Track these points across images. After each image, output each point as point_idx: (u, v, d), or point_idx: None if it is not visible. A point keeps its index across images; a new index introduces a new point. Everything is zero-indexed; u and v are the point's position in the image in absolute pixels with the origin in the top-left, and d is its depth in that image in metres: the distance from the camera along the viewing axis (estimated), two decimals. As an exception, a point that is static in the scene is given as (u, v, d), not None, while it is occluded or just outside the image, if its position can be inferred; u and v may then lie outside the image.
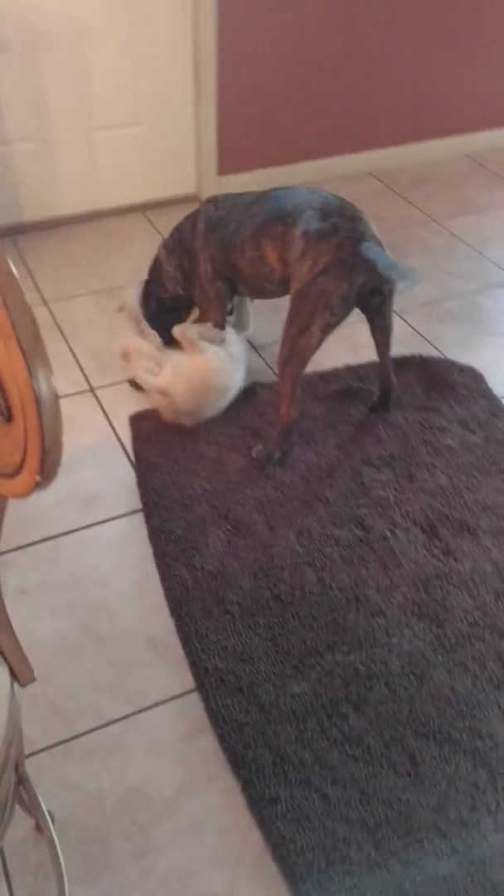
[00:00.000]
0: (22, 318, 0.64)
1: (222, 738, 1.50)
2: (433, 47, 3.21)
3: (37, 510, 1.93)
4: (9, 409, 0.70)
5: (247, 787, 1.44)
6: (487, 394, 2.27)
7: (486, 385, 2.31)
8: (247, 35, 2.88)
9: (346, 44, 3.06)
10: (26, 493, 0.70)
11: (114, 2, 2.66)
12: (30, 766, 1.46)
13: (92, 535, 1.88)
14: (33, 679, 1.02)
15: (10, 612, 1.70)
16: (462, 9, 3.16)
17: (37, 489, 0.68)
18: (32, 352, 0.65)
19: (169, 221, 3.03)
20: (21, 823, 1.38)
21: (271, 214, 1.96)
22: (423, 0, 3.07)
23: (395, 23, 3.08)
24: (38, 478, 0.67)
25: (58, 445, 0.66)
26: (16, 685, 1.04)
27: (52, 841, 1.23)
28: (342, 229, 1.83)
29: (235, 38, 2.87)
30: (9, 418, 0.70)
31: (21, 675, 0.99)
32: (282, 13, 2.89)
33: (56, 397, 0.66)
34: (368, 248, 1.80)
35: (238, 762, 1.47)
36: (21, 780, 1.23)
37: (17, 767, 1.22)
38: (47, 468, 0.66)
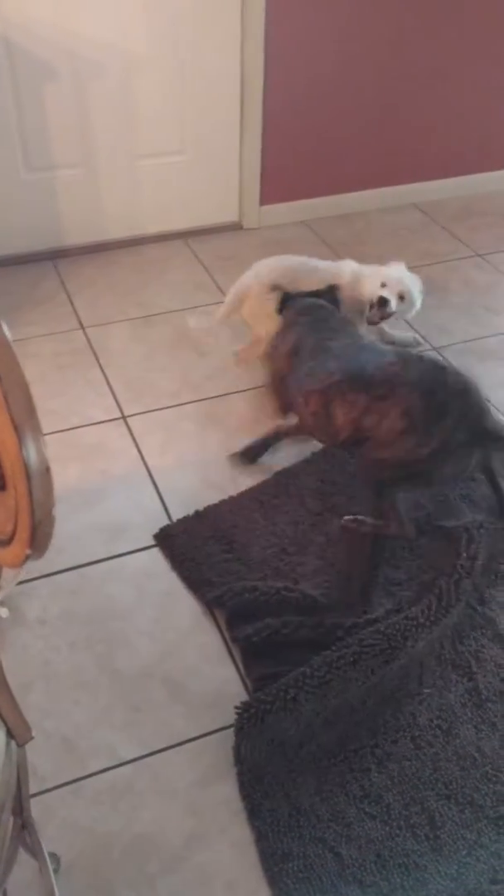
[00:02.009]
0: (14, 390, 0.62)
1: (242, 785, 1.46)
2: (480, 79, 3.18)
3: (61, 539, 1.92)
4: (2, 476, 0.68)
5: (260, 839, 1.39)
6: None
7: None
8: (293, 66, 2.88)
9: (392, 76, 3.04)
10: (17, 565, 0.68)
11: (162, 33, 2.68)
12: (39, 805, 1.44)
13: (115, 567, 1.86)
14: (30, 738, 0.99)
15: (28, 642, 1.70)
16: (514, 43, 3.13)
17: (28, 561, 0.66)
18: (24, 424, 0.63)
19: (210, 249, 3.05)
20: (27, 865, 1.35)
21: (351, 377, 1.80)
22: (470, 36, 3.04)
23: (442, 56, 3.06)
24: (28, 551, 0.65)
25: (48, 519, 0.63)
26: (13, 743, 1.02)
27: (51, 890, 1.19)
28: (454, 410, 1.72)
29: (282, 69, 2.87)
30: (2, 486, 0.68)
31: (18, 735, 0.96)
32: (328, 44, 2.88)
33: (47, 470, 0.64)
34: (488, 429, 1.73)
35: (254, 812, 1.43)
36: (25, 824, 1.20)
37: (22, 811, 1.20)
38: (38, 541, 0.63)
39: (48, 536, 0.63)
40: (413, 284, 2.33)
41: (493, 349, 2.57)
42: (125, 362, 2.49)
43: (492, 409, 1.81)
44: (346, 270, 2.37)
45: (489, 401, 2.23)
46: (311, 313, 2.07)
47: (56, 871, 1.33)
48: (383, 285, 2.29)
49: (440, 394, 1.73)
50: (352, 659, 1.61)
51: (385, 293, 2.27)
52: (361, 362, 1.84)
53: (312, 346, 1.95)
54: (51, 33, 2.57)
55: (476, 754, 1.51)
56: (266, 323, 2.30)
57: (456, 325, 2.67)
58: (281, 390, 2.06)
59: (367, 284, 2.32)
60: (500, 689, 1.61)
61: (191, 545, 1.89)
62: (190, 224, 3.12)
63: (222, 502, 2.01)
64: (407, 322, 2.65)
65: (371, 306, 2.30)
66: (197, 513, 1.97)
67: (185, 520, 1.96)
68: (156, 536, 1.93)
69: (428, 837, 1.39)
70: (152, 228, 3.08)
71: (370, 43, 2.93)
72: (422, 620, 1.67)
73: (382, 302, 2.26)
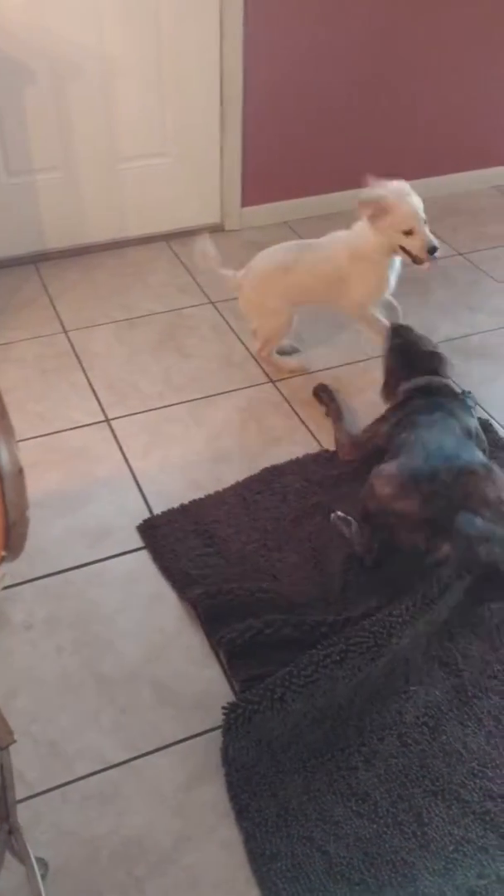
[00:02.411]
0: (-15, 393, 0.61)
1: (230, 786, 1.46)
2: (460, 80, 3.20)
3: (46, 543, 1.91)
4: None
5: (248, 839, 1.39)
6: (500, 443, 2.20)
7: (497, 435, 2.24)
8: (273, 67, 2.89)
9: (372, 76, 3.05)
10: (-9, 567, 0.68)
11: (141, 35, 2.68)
12: (27, 811, 1.43)
13: (100, 571, 1.86)
14: (12, 741, 0.98)
15: (14, 647, 1.70)
16: (491, 42, 3.14)
17: (3, 563, 0.65)
18: (-6, 426, 0.62)
19: (193, 252, 3.04)
20: (15, 870, 1.34)
21: (419, 474, 1.71)
22: (449, 32, 3.06)
23: (422, 55, 3.07)
24: (2, 552, 0.64)
25: (22, 520, 0.63)
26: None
27: (39, 895, 1.19)
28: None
29: (261, 69, 2.87)
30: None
31: (0, 738, 0.96)
32: (308, 45, 2.89)
33: (20, 472, 0.64)
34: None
35: (242, 813, 1.43)
36: (12, 829, 1.20)
37: (9, 817, 1.19)
38: (12, 542, 0.63)
39: (23, 538, 0.63)
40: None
41: (476, 347, 2.59)
42: (108, 365, 2.49)
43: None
44: (345, 238, 2.26)
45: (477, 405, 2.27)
46: (424, 393, 1.98)
47: (44, 876, 1.32)
48: (409, 232, 2.13)
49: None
50: (338, 658, 1.61)
51: (426, 238, 2.12)
52: (434, 458, 1.74)
53: (410, 440, 1.85)
54: (29, 36, 2.56)
55: (462, 750, 1.52)
56: (259, 316, 2.33)
57: (439, 324, 2.68)
58: (363, 448, 2.07)
59: (392, 236, 2.15)
60: (486, 685, 1.62)
61: (172, 537, 1.90)
62: (172, 226, 3.12)
63: (207, 497, 2.02)
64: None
65: (416, 259, 2.16)
66: (182, 506, 1.99)
67: (169, 512, 1.97)
68: (139, 528, 1.94)
69: (415, 834, 1.39)
70: (134, 231, 3.07)
71: (350, 44, 2.94)
72: (406, 617, 1.67)
73: (433, 250, 2.13)
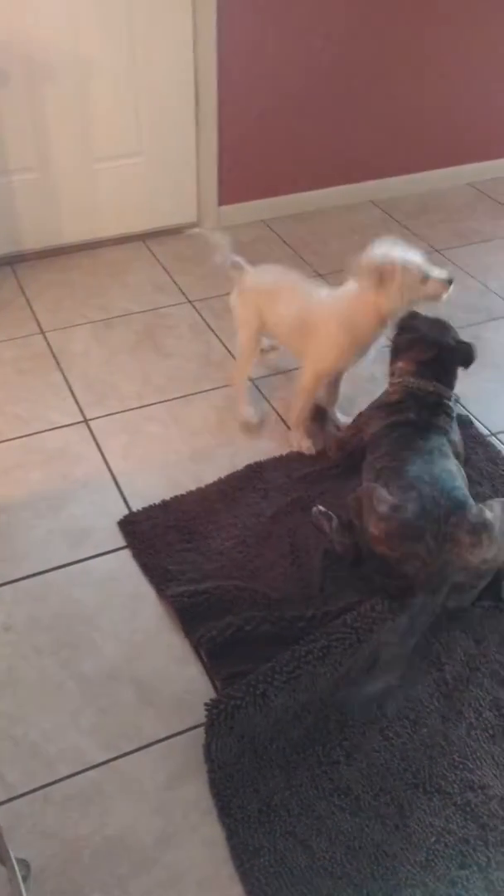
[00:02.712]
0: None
1: (212, 783, 1.46)
2: (436, 77, 3.21)
3: (26, 544, 1.90)
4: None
5: (231, 836, 1.39)
6: (479, 439, 2.22)
7: (476, 430, 2.25)
8: (247, 66, 2.89)
9: (348, 74, 3.06)
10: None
11: (114, 34, 2.67)
12: (8, 813, 1.43)
13: (81, 571, 1.85)
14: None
15: (-10, 652, 1.68)
16: (467, 40, 3.16)
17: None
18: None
19: (170, 251, 3.05)
20: (-3, 873, 1.34)
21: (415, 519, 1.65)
22: (425, 30, 3.07)
23: (397, 52, 3.08)
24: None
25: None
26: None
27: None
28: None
29: (235, 68, 2.87)
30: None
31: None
32: (283, 44, 2.90)
33: None
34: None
35: (224, 809, 1.43)
36: (-8, 832, 1.19)
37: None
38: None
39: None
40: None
41: (453, 343, 2.60)
42: (86, 365, 2.48)
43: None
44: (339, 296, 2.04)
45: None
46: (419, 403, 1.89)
47: (26, 878, 1.32)
48: (425, 279, 1.91)
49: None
50: (320, 654, 1.62)
51: (442, 277, 1.92)
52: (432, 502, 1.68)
53: (392, 452, 1.82)
54: (2, 38, 2.54)
55: (443, 743, 1.52)
56: (241, 329, 2.21)
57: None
58: (340, 447, 2.06)
59: (407, 294, 1.92)
60: (466, 677, 1.63)
61: (152, 533, 1.91)
62: (149, 226, 3.11)
63: (189, 493, 2.03)
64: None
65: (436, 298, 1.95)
66: (163, 502, 1.99)
67: (150, 509, 1.98)
68: (120, 523, 1.95)
69: (397, 826, 1.40)
70: (111, 231, 3.06)
71: (325, 43, 2.95)
72: (388, 614, 1.68)
73: (450, 282, 1.94)
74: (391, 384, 1.97)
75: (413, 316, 2.00)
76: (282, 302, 2.09)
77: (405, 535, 1.64)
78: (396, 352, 2.01)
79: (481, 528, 1.64)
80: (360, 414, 2.04)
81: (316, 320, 2.04)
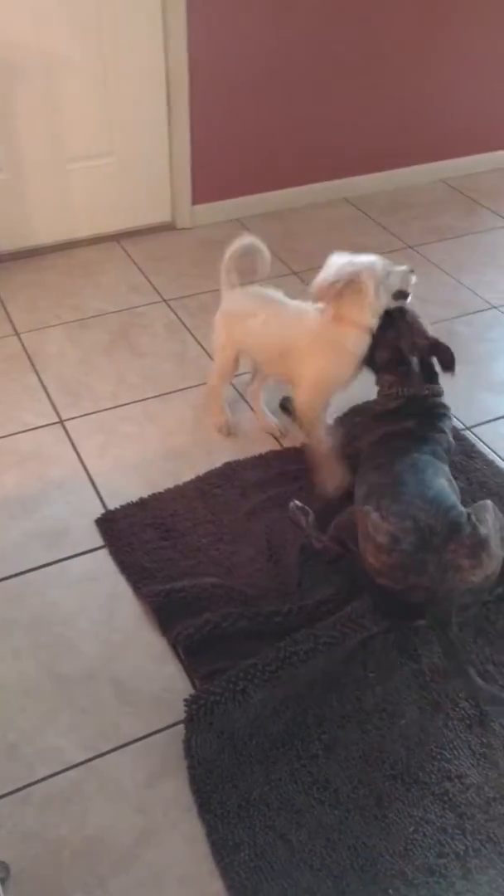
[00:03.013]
0: None
1: (192, 780, 1.46)
2: (408, 75, 3.23)
3: (1, 546, 1.90)
4: None
5: (211, 832, 1.40)
6: (454, 433, 2.21)
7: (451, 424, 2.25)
8: (219, 64, 2.89)
9: (320, 72, 3.08)
10: None
11: (84, 32, 2.67)
12: (-13, 815, 1.42)
13: (58, 572, 1.85)
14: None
15: (-35, 656, 1.68)
16: (436, 38, 3.18)
17: None
18: None
19: (144, 250, 3.05)
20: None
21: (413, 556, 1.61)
22: (397, 28, 3.09)
23: (369, 51, 3.10)
24: None
25: None
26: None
27: (1, 898, 1.18)
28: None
29: (207, 66, 2.88)
30: None
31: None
32: (254, 41, 2.90)
33: None
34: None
35: (204, 805, 1.43)
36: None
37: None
38: None
39: None
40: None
41: (427, 338, 2.61)
42: (61, 366, 2.47)
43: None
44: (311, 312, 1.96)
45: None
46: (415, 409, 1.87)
47: (4, 880, 1.32)
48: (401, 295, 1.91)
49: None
50: (304, 657, 1.62)
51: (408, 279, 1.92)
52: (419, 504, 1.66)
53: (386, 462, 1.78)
54: (-31, 37, 2.54)
55: (420, 734, 1.54)
56: (217, 353, 2.16)
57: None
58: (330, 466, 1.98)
59: (377, 307, 1.88)
60: (443, 668, 1.64)
61: (129, 531, 1.91)
62: (122, 226, 3.11)
63: (167, 491, 2.03)
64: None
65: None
66: (141, 500, 2.00)
67: (127, 506, 1.98)
68: (97, 521, 1.95)
69: (376, 818, 1.41)
70: (84, 231, 3.06)
71: (296, 39, 2.96)
72: (373, 620, 1.69)
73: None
74: (384, 395, 1.91)
75: (387, 325, 1.93)
76: (260, 327, 2.00)
77: (408, 569, 1.61)
78: (379, 363, 1.94)
79: (479, 549, 1.60)
80: (353, 422, 2.02)
81: (299, 346, 1.94)
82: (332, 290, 1.83)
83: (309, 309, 1.97)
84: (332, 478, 1.99)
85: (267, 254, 2.05)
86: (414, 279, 1.95)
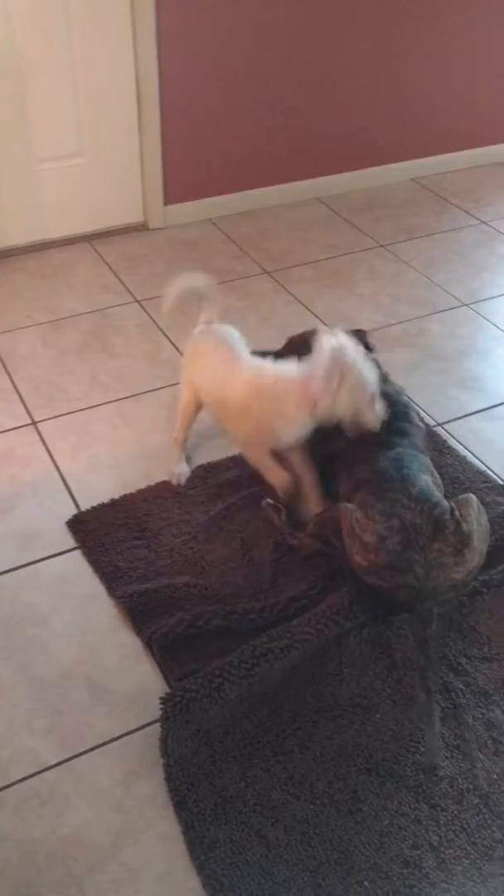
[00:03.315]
0: None
1: (168, 778, 1.46)
2: (377, 75, 3.25)
3: (-26, 549, 1.89)
4: None
5: (187, 830, 1.40)
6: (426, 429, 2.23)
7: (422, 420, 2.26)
8: (189, 64, 2.90)
9: (290, 72, 3.09)
10: None
11: (53, 33, 2.66)
12: (-39, 819, 1.41)
13: (31, 574, 1.84)
14: None
15: None
16: (407, 40, 3.20)
17: None
18: None
19: (116, 251, 3.04)
20: (-49, 880, 1.33)
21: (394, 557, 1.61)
22: (366, 29, 3.11)
23: (339, 51, 3.12)
24: None
25: None
26: None
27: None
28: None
29: (177, 67, 2.88)
30: None
31: None
32: (224, 42, 2.91)
33: None
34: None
35: (180, 803, 1.43)
36: None
37: None
38: None
39: None
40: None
41: (398, 336, 2.64)
42: (33, 368, 2.46)
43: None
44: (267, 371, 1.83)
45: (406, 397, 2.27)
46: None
47: (-20, 882, 1.31)
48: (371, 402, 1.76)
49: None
50: (280, 654, 1.63)
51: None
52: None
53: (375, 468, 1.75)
54: None
55: (395, 728, 1.55)
56: (181, 390, 2.03)
57: (362, 314, 2.73)
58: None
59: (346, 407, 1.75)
60: (413, 660, 1.65)
61: (101, 531, 1.91)
62: (94, 227, 3.10)
63: (139, 492, 2.03)
64: (318, 318, 2.70)
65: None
66: (112, 501, 1.99)
67: (99, 507, 1.98)
68: (68, 523, 1.94)
69: (351, 811, 1.42)
70: (56, 233, 3.04)
71: (266, 39, 2.97)
72: (350, 614, 1.69)
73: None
74: None
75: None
76: (210, 370, 1.91)
77: (395, 568, 1.61)
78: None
79: (462, 546, 1.62)
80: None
81: (237, 397, 1.82)
82: (330, 392, 1.71)
83: (260, 366, 1.85)
84: (277, 480, 1.92)
85: (213, 294, 1.95)
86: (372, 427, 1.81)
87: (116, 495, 2.01)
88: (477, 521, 1.66)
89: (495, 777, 1.47)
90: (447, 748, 1.52)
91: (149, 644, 1.68)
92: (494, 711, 1.58)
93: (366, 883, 1.32)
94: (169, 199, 3.15)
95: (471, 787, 1.46)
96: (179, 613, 1.68)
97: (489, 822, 1.41)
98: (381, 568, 1.63)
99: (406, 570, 1.61)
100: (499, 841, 1.38)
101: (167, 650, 1.66)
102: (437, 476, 1.81)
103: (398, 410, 1.88)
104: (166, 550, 1.86)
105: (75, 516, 1.95)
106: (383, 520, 1.62)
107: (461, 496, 1.70)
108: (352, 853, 1.36)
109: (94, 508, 1.97)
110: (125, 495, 2.00)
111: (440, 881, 1.33)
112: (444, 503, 1.67)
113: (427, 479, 1.73)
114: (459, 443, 2.22)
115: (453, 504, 1.67)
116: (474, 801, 1.44)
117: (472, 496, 1.70)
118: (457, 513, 1.65)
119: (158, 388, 2.39)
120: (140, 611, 1.72)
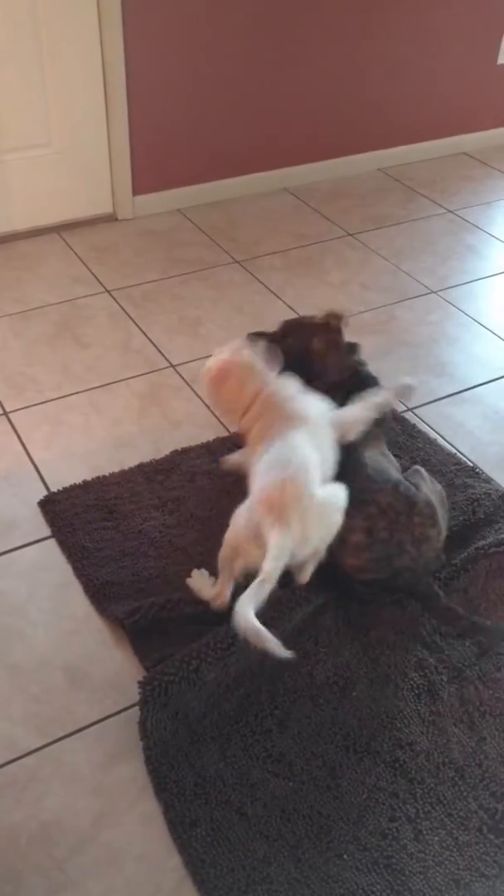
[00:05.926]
0: None
1: (148, 760, 1.47)
2: (343, 65, 3.27)
3: None
4: None
5: (167, 810, 1.41)
6: (396, 414, 2.26)
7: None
8: (156, 54, 2.89)
9: (257, 62, 3.09)
10: None
11: (19, 22, 2.63)
12: None
13: (6, 563, 1.83)
14: None
15: None
16: (371, 29, 3.23)
17: None
18: None
19: (85, 242, 3.03)
20: None
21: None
22: (331, 20, 3.12)
23: (305, 40, 3.13)
24: None
25: None
26: None
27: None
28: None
29: (144, 56, 2.87)
30: None
31: None
32: (191, 33, 2.90)
33: None
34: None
35: (161, 785, 1.44)
36: None
37: None
38: None
39: None
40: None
41: (368, 323, 2.66)
42: (4, 358, 2.44)
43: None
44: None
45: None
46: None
47: (-39, 867, 1.31)
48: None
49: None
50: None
51: None
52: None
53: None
54: None
55: (372, 705, 1.57)
56: None
57: (333, 302, 2.74)
58: None
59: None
60: (392, 641, 1.68)
61: (71, 512, 1.92)
62: (63, 217, 3.08)
63: (111, 475, 2.04)
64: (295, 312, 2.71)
65: None
66: (84, 482, 2.00)
67: (70, 488, 1.99)
68: (40, 503, 1.95)
69: (329, 787, 1.44)
70: (23, 224, 3.02)
71: (233, 30, 2.97)
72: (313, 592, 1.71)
73: None
74: None
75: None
76: None
77: (390, 556, 1.63)
78: None
79: (432, 512, 1.65)
80: None
81: None
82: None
83: None
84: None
85: None
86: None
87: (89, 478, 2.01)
88: (432, 490, 1.70)
89: (470, 751, 1.50)
90: (423, 723, 1.54)
91: (121, 626, 1.68)
92: (468, 688, 1.61)
93: (345, 856, 1.34)
94: (137, 190, 3.14)
95: (446, 760, 1.49)
96: (151, 598, 1.69)
97: (464, 793, 1.44)
98: (377, 561, 1.65)
99: (400, 553, 1.64)
100: (473, 812, 1.41)
101: (138, 635, 1.66)
102: (390, 455, 1.85)
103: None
104: (135, 533, 1.87)
105: (46, 496, 1.96)
106: (359, 512, 1.63)
107: (409, 469, 1.74)
108: (331, 828, 1.38)
109: (65, 489, 1.98)
110: (97, 477, 2.01)
111: (417, 852, 1.35)
112: (401, 477, 1.71)
113: (375, 455, 1.75)
114: (430, 427, 2.25)
115: (406, 478, 1.72)
116: (450, 774, 1.46)
117: (419, 467, 1.77)
118: (413, 487, 1.70)
119: (130, 378, 2.38)
120: (105, 594, 1.74)
